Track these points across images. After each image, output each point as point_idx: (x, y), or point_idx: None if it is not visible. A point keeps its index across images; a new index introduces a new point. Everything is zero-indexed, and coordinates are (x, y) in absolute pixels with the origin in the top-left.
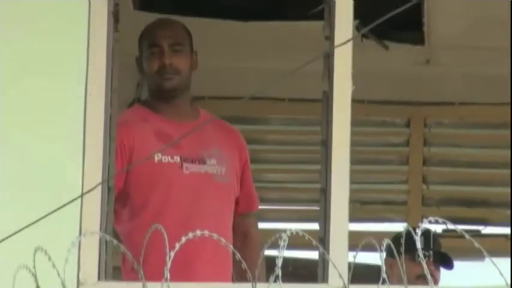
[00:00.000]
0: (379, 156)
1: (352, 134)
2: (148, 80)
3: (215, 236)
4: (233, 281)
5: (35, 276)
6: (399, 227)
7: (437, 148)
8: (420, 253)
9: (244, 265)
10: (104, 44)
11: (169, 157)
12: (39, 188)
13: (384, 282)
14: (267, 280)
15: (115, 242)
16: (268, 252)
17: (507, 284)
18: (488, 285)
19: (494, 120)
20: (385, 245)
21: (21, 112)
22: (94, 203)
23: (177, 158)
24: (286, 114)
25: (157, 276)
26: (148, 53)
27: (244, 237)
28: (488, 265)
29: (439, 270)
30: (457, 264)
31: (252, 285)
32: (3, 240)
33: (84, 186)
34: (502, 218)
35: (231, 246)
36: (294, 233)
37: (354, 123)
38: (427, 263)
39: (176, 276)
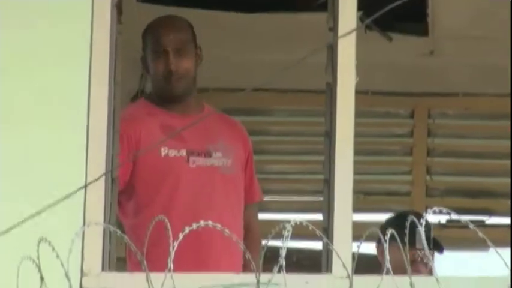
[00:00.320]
0: (383, 147)
1: (356, 125)
2: (154, 82)
3: (218, 226)
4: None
5: (38, 266)
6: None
7: (441, 139)
8: (424, 242)
9: (248, 255)
10: (107, 36)
11: (175, 151)
12: (43, 179)
13: (387, 272)
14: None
15: (119, 232)
16: (272, 243)
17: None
18: (493, 275)
19: (499, 111)
20: (385, 235)
21: (24, 103)
22: (98, 194)
23: (183, 152)
24: (289, 105)
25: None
26: (153, 55)
27: (246, 229)
28: (492, 255)
29: (431, 255)
30: (461, 254)
31: (256, 276)
32: (6, 231)
33: (88, 177)
34: (506, 209)
35: (235, 237)
36: (298, 223)
37: (358, 114)
38: (417, 249)
39: (189, 269)
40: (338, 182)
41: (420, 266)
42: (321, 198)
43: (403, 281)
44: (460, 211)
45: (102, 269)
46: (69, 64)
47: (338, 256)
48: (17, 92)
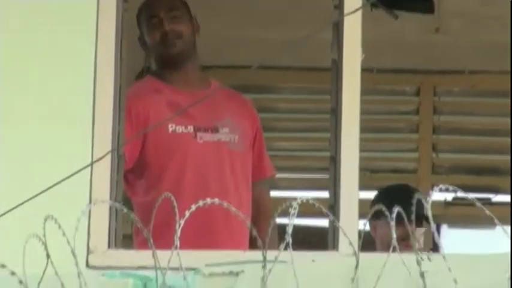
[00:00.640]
0: (389, 125)
1: (362, 102)
2: (153, 52)
3: (225, 204)
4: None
5: (45, 244)
6: None
7: (447, 116)
8: (431, 219)
9: (255, 232)
10: (113, 13)
11: (182, 127)
12: (49, 157)
13: (394, 250)
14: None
15: (125, 210)
16: (279, 220)
17: None
18: (498, 252)
19: (505, 88)
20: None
21: (30, 82)
22: (104, 172)
23: (191, 128)
24: (296, 83)
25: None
26: (148, 26)
27: (256, 205)
28: (498, 233)
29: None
30: (467, 232)
31: (263, 253)
32: (13, 208)
33: (94, 154)
34: None
35: (242, 215)
36: (305, 201)
37: (364, 91)
38: (409, 224)
39: (199, 245)
40: (344, 159)
41: (411, 242)
42: (328, 176)
43: (409, 258)
44: (466, 188)
45: (109, 247)
46: (75, 41)
47: (344, 233)
48: (23, 70)
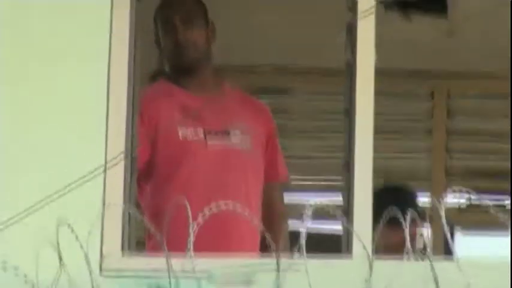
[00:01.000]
0: (402, 128)
1: (376, 105)
2: (166, 57)
3: (238, 206)
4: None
5: (58, 249)
6: (423, 198)
7: (461, 119)
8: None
9: (268, 237)
10: (127, 14)
11: (193, 131)
12: (62, 160)
13: (408, 254)
14: (289, 252)
15: (138, 213)
16: (293, 225)
17: None
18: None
19: None
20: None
21: (43, 84)
22: (117, 175)
23: (201, 131)
24: (309, 84)
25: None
26: (162, 31)
27: (268, 208)
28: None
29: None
30: (480, 237)
31: (277, 261)
32: (26, 211)
33: (108, 157)
34: None
35: (256, 220)
36: (319, 203)
37: (378, 94)
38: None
39: (209, 248)
40: (358, 162)
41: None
42: (342, 179)
43: (423, 264)
44: (480, 192)
45: (122, 251)
46: (89, 43)
47: (358, 238)
48: (37, 69)
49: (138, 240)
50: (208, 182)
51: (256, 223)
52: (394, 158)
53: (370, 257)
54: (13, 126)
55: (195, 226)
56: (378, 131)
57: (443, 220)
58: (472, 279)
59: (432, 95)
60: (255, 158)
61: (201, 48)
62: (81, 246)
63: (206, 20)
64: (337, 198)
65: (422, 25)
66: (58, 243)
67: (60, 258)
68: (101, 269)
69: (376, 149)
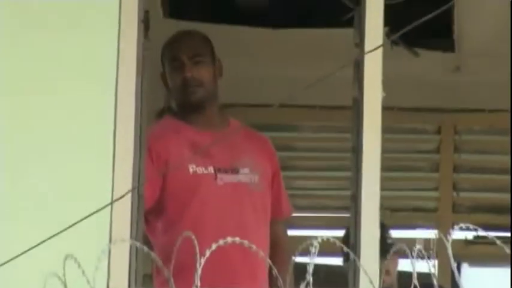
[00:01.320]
0: (409, 163)
1: (383, 141)
2: (174, 95)
3: (246, 243)
4: None
5: (64, 284)
6: (430, 233)
7: (467, 155)
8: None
9: (275, 271)
10: (134, 51)
11: (203, 168)
12: (69, 195)
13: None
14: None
15: (145, 249)
16: (299, 259)
17: None
18: None
19: None
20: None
21: (51, 118)
22: (124, 210)
23: (211, 169)
24: (316, 121)
25: None
26: (170, 67)
27: (273, 244)
28: None
29: (396, 262)
30: (488, 270)
31: None
32: (33, 247)
33: (115, 193)
34: None
35: (262, 254)
36: (325, 239)
37: (385, 130)
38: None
39: (218, 284)
40: (365, 198)
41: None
42: (348, 214)
43: None
44: (487, 227)
45: (129, 286)
46: (96, 80)
47: (365, 272)
48: (44, 106)
49: (145, 273)
50: (219, 218)
51: (263, 258)
52: (401, 193)
53: None
54: (21, 162)
55: (202, 261)
56: (385, 166)
57: (451, 256)
58: None
59: (439, 130)
60: (264, 195)
61: (208, 85)
62: (88, 282)
63: (213, 57)
64: (341, 234)
65: (429, 61)
66: (65, 278)
67: None
68: None
69: (383, 185)
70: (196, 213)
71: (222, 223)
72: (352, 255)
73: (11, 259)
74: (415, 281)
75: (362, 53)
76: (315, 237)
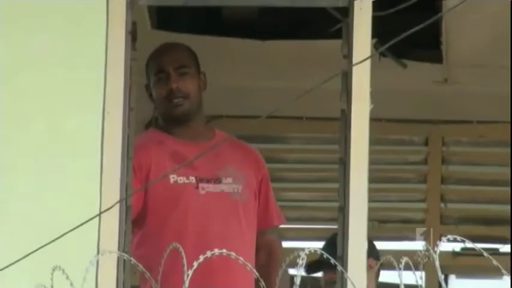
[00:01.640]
0: (397, 175)
1: (371, 152)
2: (158, 106)
3: (233, 254)
4: None
5: None
6: (418, 245)
7: (455, 166)
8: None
9: (262, 284)
10: (121, 62)
11: (184, 178)
12: (56, 206)
13: None
14: None
15: (133, 261)
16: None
17: None
18: None
19: None
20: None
21: (38, 132)
22: (112, 222)
23: (193, 179)
24: (304, 132)
25: None
26: (155, 79)
27: (267, 253)
28: (506, 283)
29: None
30: (475, 282)
31: None
32: (21, 259)
33: (102, 205)
34: None
35: (249, 265)
36: (313, 251)
37: (372, 141)
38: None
39: None
40: (353, 209)
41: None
42: (336, 226)
43: None
44: (474, 239)
45: None
46: (84, 90)
47: (353, 284)
48: (31, 117)
49: (132, 285)
50: (201, 226)
51: (253, 270)
52: (389, 205)
53: None
54: (9, 174)
55: (190, 272)
56: (373, 178)
57: (438, 268)
58: None
59: (427, 141)
60: (248, 205)
61: (193, 97)
62: None
63: (198, 70)
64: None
65: (417, 72)
66: None
67: None
68: None
69: (371, 196)
70: (178, 223)
71: (203, 232)
72: (339, 266)
73: (0, 269)
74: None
75: (350, 64)
76: (302, 249)
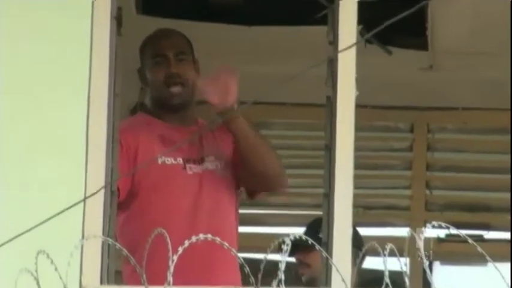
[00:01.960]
0: (382, 161)
1: (356, 139)
2: (153, 91)
3: (218, 240)
4: None
5: (37, 280)
6: (402, 232)
7: (440, 153)
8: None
9: (247, 269)
10: (106, 48)
11: (172, 159)
12: (42, 191)
13: (387, 286)
14: None
15: (118, 245)
16: (271, 257)
17: None
18: None
19: (498, 125)
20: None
21: (23, 116)
22: (97, 207)
23: (180, 160)
24: (289, 118)
25: (161, 280)
26: (152, 62)
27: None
28: (490, 270)
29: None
30: (460, 269)
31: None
32: (5, 243)
33: (87, 190)
34: (505, 223)
35: (234, 251)
36: (298, 237)
37: (358, 128)
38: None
39: (186, 277)
40: (338, 196)
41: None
42: (321, 212)
43: None
44: (459, 225)
45: (101, 283)
46: (69, 76)
47: (337, 270)
48: (15, 104)
49: (117, 270)
50: (189, 206)
51: (236, 257)
52: (374, 192)
53: None
54: None
55: (175, 258)
56: (358, 164)
57: (423, 254)
58: None
59: (412, 128)
60: (229, 181)
61: (190, 85)
62: (60, 277)
63: (193, 57)
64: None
65: (402, 59)
66: (37, 274)
67: None
68: None
69: (356, 183)
70: (165, 202)
71: (192, 211)
72: (324, 253)
73: None
74: (386, 279)
75: (335, 51)
76: (287, 235)
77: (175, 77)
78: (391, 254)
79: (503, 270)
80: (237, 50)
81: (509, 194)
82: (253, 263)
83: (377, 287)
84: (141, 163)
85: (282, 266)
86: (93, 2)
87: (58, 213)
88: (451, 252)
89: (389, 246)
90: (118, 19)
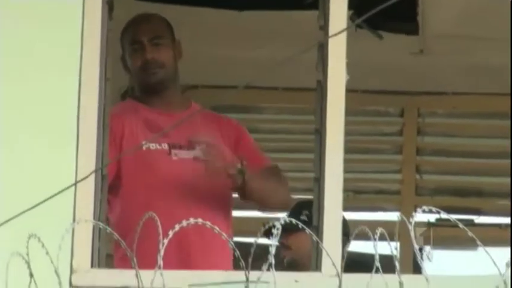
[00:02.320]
0: (372, 146)
1: (346, 123)
2: (133, 77)
3: (208, 224)
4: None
5: (28, 263)
6: (392, 216)
7: (430, 138)
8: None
9: (237, 253)
10: (98, 32)
11: (156, 144)
12: (33, 175)
13: (377, 270)
14: None
15: (108, 229)
16: (262, 241)
17: (500, 273)
18: (481, 274)
19: (488, 109)
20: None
21: (14, 101)
22: (88, 191)
23: (165, 146)
24: (279, 103)
25: (150, 263)
26: (130, 50)
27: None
28: (481, 254)
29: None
30: (450, 253)
31: (245, 274)
32: None
33: (78, 174)
34: (495, 208)
35: (224, 234)
36: (288, 221)
37: (348, 112)
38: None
39: (173, 263)
40: (328, 180)
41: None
42: (311, 197)
43: (392, 279)
44: (450, 210)
45: (92, 266)
46: (60, 61)
47: (328, 254)
48: (6, 88)
49: (107, 253)
50: (173, 195)
51: (228, 242)
52: (364, 176)
53: (340, 273)
54: None
55: (165, 241)
56: (348, 149)
57: (413, 239)
58: None
59: (402, 113)
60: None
61: (168, 67)
62: (52, 261)
63: (173, 39)
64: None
65: (393, 44)
66: (28, 257)
67: (31, 274)
68: (70, 284)
69: (346, 167)
70: (150, 188)
71: (175, 198)
72: (314, 237)
73: None
74: (377, 263)
75: (326, 35)
76: (277, 219)
77: (151, 63)
78: (382, 238)
79: (493, 254)
80: (228, 34)
81: (499, 179)
82: (242, 246)
83: (365, 270)
84: (126, 148)
85: (273, 250)
86: None
87: (49, 198)
88: (442, 236)
89: (379, 230)
90: (110, 3)
